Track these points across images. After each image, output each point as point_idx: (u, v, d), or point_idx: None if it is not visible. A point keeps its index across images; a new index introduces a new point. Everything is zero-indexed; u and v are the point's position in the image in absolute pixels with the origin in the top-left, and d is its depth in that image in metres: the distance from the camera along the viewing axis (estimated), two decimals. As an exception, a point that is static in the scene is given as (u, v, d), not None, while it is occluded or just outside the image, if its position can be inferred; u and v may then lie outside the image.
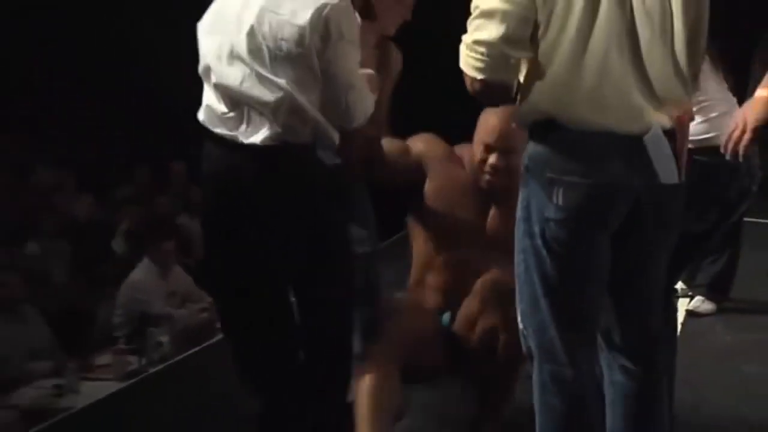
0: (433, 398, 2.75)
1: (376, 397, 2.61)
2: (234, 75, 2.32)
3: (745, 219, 4.16)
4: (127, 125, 9.20)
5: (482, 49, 1.93)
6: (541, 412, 2.11)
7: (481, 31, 1.93)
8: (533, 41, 1.92)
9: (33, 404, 4.33)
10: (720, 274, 4.14)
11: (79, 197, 7.59)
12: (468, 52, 1.96)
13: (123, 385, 4.37)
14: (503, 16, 1.89)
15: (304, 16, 2.26)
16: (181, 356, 4.52)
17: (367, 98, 2.42)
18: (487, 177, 2.74)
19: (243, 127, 2.33)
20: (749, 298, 4.27)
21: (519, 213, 2.08)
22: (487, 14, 1.92)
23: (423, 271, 2.85)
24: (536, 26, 1.91)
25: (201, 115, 2.42)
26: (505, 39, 1.90)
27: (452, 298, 2.77)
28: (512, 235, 2.37)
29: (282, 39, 2.28)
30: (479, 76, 1.96)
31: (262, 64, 2.30)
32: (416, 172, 2.81)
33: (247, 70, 2.31)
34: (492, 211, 2.79)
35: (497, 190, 2.75)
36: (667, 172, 1.99)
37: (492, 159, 2.72)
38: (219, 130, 2.36)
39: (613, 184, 1.94)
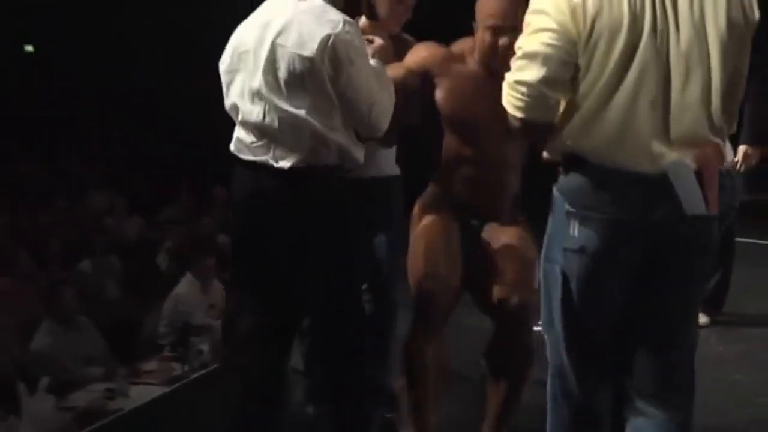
0: (446, 402, 2.75)
1: (427, 370, 2.57)
2: (257, 111, 2.30)
3: (737, 239, 4.17)
4: (173, 153, 9.29)
5: (523, 89, 1.86)
6: (551, 420, 2.07)
7: (522, 72, 1.86)
8: (574, 83, 1.85)
9: (87, 406, 4.33)
10: (714, 289, 4.14)
11: (128, 219, 7.67)
12: (510, 90, 1.90)
13: (168, 389, 4.39)
14: (545, 59, 1.82)
15: (311, 47, 2.22)
16: (220, 363, 4.53)
17: (387, 105, 2.35)
18: (500, 60, 2.46)
19: (271, 153, 2.30)
20: (740, 312, 4.26)
21: (545, 239, 2.02)
22: (530, 56, 1.85)
23: (449, 171, 2.65)
24: (578, 69, 1.84)
25: (232, 146, 2.40)
26: (545, 81, 1.83)
27: (479, 191, 2.63)
28: None
29: (294, 71, 2.23)
30: (518, 115, 1.90)
31: (280, 97, 2.26)
32: (425, 86, 2.59)
33: (268, 106, 2.28)
34: None
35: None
36: (693, 202, 1.86)
37: (503, 41, 2.47)
38: (249, 158, 2.34)
39: (630, 221, 1.86)
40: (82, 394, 4.49)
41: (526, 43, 1.87)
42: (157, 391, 4.37)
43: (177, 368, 4.87)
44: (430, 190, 2.73)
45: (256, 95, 2.29)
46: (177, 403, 4.04)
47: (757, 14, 1.86)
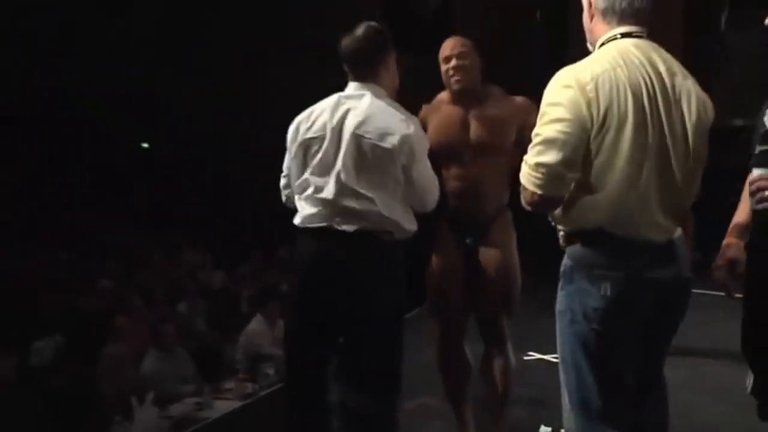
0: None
1: (453, 376, 2.61)
2: (330, 189, 2.12)
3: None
4: (248, 221, 9.40)
5: (543, 170, 1.71)
6: None
7: (542, 155, 1.71)
8: (583, 163, 1.73)
9: (182, 415, 4.34)
10: None
11: (214, 272, 7.73)
12: (530, 171, 1.74)
13: (243, 403, 4.37)
14: (563, 143, 1.69)
15: (392, 141, 2.11)
16: (284, 383, 4.50)
17: (436, 186, 2.28)
18: (455, 78, 2.51)
19: (336, 220, 2.12)
20: (684, 345, 4.17)
21: (562, 306, 1.81)
22: (549, 142, 1.71)
23: (444, 192, 2.50)
24: (588, 152, 1.71)
25: (297, 220, 2.19)
26: (564, 162, 1.70)
27: (467, 202, 2.56)
28: (491, 137, 2.29)
29: (373, 159, 2.11)
30: (539, 192, 1.74)
31: (355, 180, 2.11)
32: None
33: (341, 186, 2.11)
34: (471, 120, 2.54)
35: (467, 94, 2.52)
36: (686, 267, 1.80)
37: (452, 63, 2.50)
38: (314, 225, 2.14)
39: (647, 280, 1.75)
40: (178, 406, 4.49)
41: (543, 130, 1.73)
42: (234, 405, 4.35)
43: (250, 387, 4.86)
44: (438, 228, 2.64)
45: (333, 176, 2.12)
46: (250, 414, 4.00)
47: (712, 114, 1.81)
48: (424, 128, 2.53)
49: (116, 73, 9.42)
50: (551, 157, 1.71)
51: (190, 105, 9.61)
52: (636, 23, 1.80)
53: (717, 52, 7.55)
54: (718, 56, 7.56)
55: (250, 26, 9.54)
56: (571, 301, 1.79)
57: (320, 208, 2.15)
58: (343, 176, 2.13)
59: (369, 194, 2.12)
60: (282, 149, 2.33)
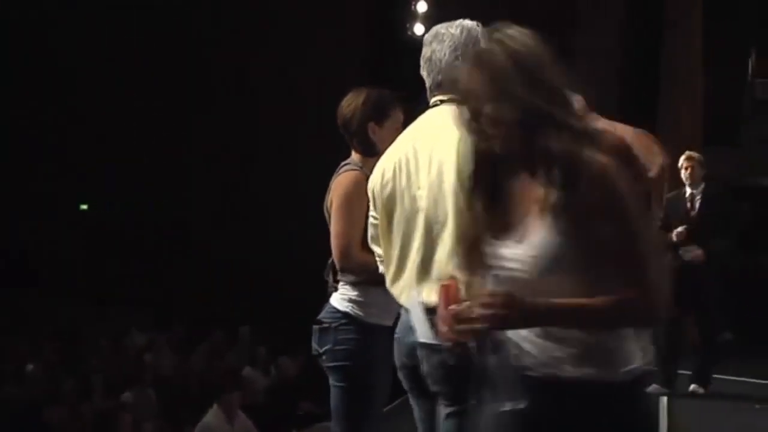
0: None
1: None
2: None
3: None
4: (205, 296, 9.32)
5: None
6: None
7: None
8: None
9: None
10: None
11: (164, 355, 7.60)
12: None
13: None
14: (370, 225, 2.15)
15: None
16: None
17: None
18: None
19: None
20: None
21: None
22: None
23: None
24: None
25: None
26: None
27: None
28: None
29: None
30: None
31: None
32: None
33: None
34: None
35: None
36: (422, 331, 1.82)
37: None
38: None
39: (403, 340, 2.06)
40: None
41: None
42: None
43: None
44: None
45: None
46: None
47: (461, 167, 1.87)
48: None
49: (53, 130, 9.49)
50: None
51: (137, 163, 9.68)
52: (445, 92, 2.05)
53: (744, 104, 7.80)
54: (745, 108, 7.85)
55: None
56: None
57: None
58: None
59: None
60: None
